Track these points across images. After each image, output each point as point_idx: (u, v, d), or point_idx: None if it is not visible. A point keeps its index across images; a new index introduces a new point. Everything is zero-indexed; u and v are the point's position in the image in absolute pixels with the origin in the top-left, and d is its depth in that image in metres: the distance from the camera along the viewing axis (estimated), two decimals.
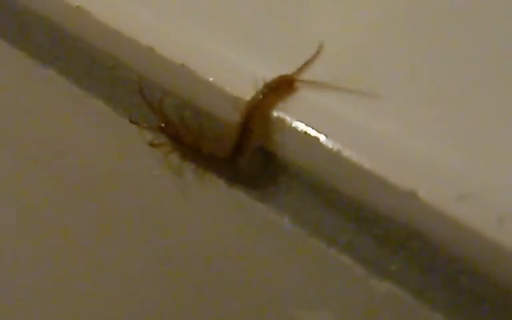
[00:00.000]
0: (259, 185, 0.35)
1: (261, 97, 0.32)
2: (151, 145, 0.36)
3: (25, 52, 0.42)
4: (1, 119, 0.45)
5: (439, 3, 0.34)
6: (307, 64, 0.32)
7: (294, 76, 0.32)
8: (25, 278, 0.47)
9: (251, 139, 0.32)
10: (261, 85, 0.32)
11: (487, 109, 0.30)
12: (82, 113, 0.41)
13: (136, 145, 0.38)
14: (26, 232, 0.47)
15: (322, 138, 0.31)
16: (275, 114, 0.32)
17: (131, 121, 0.37)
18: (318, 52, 0.33)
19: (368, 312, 0.33)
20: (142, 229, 0.41)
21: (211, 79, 0.34)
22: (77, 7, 0.38)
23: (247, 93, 0.32)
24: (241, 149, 0.33)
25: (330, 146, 0.30)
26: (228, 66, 0.34)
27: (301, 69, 0.32)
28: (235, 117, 0.33)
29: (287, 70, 0.32)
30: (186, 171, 0.37)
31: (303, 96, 0.32)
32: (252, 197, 0.35)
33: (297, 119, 0.31)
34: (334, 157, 0.30)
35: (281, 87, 0.32)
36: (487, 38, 0.32)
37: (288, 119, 0.31)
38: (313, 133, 0.31)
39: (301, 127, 0.31)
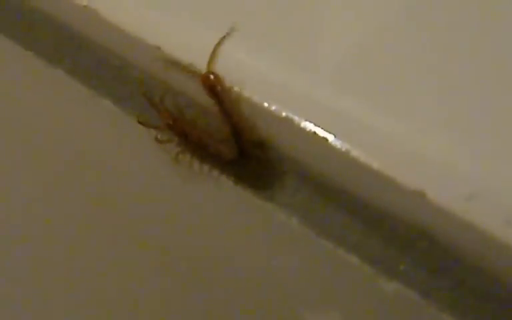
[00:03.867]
0: (267, 184, 0.35)
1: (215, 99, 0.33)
2: (157, 140, 0.36)
3: (33, 51, 0.42)
4: (9, 118, 0.45)
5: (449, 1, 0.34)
6: (215, 50, 0.33)
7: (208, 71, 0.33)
8: (28, 276, 0.47)
9: (242, 133, 0.33)
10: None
11: (495, 109, 0.30)
12: (89, 112, 0.41)
13: (144, 144, 0.38)
14: (31, 229, 0.47)
15: (331, 138, 0.31)
16: (284, 114, 0.32)
17: (139, 122, 0.37)
18: (227, 34, 0.33)
19: (376, 312, 0.33)
20: (148, 227, 0.41)
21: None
22: (85, 6, 0.38)
23: (255, 91, 0.33)
24: (241, 146, 0.33)
25: (338, 146, 0.30)
26: (235, 65, 0.34)
27: (212, 59, 0.33)
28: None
29: (294, 68, 0.33)
30: (193, 169, 0.37)
31: (311, 97, 0.32)
32: (260, 197, 0.35)
33: (305, 119, 0.31)
34: (342, 157, 0.30)
35: (208, 84, 0.33)
36: (500, 37, 0.32)
37: (296, 119, 0.31)
38: (321, 133, 0.31)
39: (310, 127, 0.31)
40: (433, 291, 0.31)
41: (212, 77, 0.33)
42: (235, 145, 0.33)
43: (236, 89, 0.33)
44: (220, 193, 0.36)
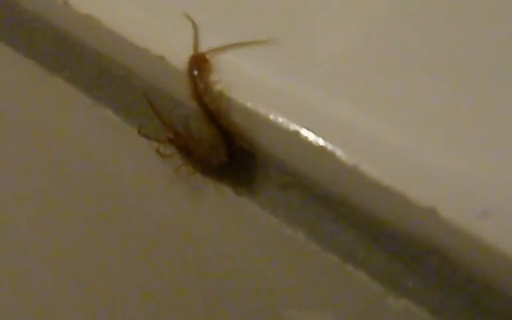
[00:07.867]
0: (273, 199, 0.34)
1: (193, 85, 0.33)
2: (158, 153, 0.36)
3: (34, 60, 0.42)
4: (9, 126, 0.45)
5: (451, 5, 0.33)
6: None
7: (201, 52, 0.34)
8: (27, 279, 0.47)
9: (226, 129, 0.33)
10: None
11: (508, 124, 0.30)
12: (91, 121, 0.41)
13: (145, 155, 0.38)
14: (31, 234, 0.46)
15: (339, 152, 0.30)
16: (291, 128, 0.31)
17: (139, 133, 0.37)
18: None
19: None
20: (149, 237, 0.41)
21: (219, 88, 0.33)
22: (87, 15, 0.37)
23: (260, 102, 0.32)
24: (228, 141, 0.33)
25: (347, 161, 0.30)
26: (239, 75, 0.33)
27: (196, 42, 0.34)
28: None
29: (295, 72, 0.32)
30: (196, 181, 0.36)
31: (319, 109, 0.31)
32: (266, 211, 0.35)
33: (313, 133, 0.31)
34: (351, 171, 0.30)
35: (196, 65, 0.33)
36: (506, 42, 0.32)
37: (304, 132, 0.31)
38: (330, 147, 0.30)
39: (318, 141, 0.30)
40: (444, 309, 0.30)
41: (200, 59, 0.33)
42: (221, 141, 0.33)
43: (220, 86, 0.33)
44: (224, 207, 0.36)
